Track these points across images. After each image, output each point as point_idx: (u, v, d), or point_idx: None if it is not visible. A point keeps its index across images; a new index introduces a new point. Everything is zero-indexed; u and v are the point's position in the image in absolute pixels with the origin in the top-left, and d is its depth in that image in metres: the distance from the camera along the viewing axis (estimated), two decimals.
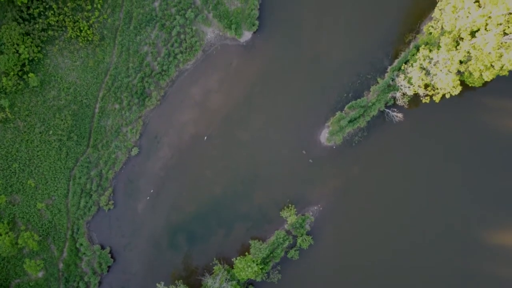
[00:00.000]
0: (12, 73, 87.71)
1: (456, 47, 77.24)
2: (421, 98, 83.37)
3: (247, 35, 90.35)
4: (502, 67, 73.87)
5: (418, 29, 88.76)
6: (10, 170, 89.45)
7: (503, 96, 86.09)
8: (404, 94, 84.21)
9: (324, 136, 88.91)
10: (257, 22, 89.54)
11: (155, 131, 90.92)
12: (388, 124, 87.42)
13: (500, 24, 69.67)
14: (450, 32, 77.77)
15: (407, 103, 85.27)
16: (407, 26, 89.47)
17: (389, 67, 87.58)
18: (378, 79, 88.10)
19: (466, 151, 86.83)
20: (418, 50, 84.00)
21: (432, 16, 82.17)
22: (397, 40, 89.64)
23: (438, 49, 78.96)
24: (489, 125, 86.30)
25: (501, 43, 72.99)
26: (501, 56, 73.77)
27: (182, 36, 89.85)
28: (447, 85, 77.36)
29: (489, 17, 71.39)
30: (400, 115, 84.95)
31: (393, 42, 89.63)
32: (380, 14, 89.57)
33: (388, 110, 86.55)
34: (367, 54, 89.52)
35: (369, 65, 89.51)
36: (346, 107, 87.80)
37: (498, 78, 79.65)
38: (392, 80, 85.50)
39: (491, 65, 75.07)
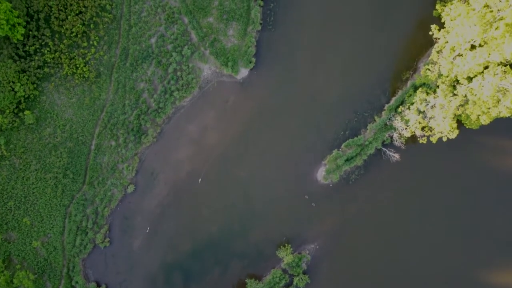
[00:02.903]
0: (7, 110, 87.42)
1: (453, 91, 76.89)
2: (418, 139, 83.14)
3: (243, 72, 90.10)
4: (500, 113, 73.48)
5: (415, 67, 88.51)
6: (6, 207, 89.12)
7: (502, 136, 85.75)
8: (401, 135, 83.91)
9: (321, 174, 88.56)
10: (254, 59, 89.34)
11: (151, 168, 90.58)
12: (385, 162, 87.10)
13: (497, 74, 69.33)
14: (447, 76, 77.44)
15: (404, 142, 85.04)
16: (404, 63, 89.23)
17: (386, 105, 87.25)
18: (375, 117, 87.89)
19: (464, 190, 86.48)
20: (415, 90, 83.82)
21: (430, 58, 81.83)
22: (394, 77, 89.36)
23: (435, 93, 78.72)
24: (488, 165, 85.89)
25: (499, 88, 72.53)
26: (499, 101, 73.45)
27: (179, 73, 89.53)
28: (444, 129, 77.09)
29: (486, 67, 71.14)
30: (397, 155, 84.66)
31: (390, 79, 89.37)
32: (377, 51, 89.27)
33: (385, 149, 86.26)
34: (364, 92, 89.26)
35: (366, 102, 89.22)
36: (343, 145, 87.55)
37: (496, 118, 79.31)
38: (389, 120, 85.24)
39: (488, 110, 74.76)
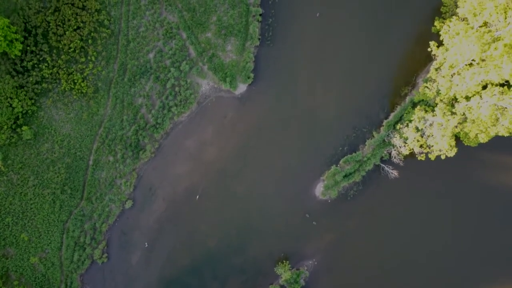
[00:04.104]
0: (5, 126, 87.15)
1: (451, 109, 76.66)
2: (417, 155, 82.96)
3: (242, 88, 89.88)
4: (498, 132, 73.26)
5: (414, 82, 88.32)
6: (4, 223, 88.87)
7: (500, 152, 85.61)
8: (399, 152, 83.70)
9: (319, 190, 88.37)
10: (252, 75, 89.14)
11: (149, 184, 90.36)
12: (384, 178, 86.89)
13: (494, 95, 69.13)
14: (445, 94, 77.22)
15: (403, 159, 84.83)
16: (403, 79, 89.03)
17: (385, 121, 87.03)
18: (374, 132, 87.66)
19: (463, 207, 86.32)
20: (413, 106, 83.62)
21: (428, 76, 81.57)
22: (393, 93, 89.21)
23: (433, 110, 78.51)
24: (486, 181, 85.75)
25: (497, 107, 72.31)
26: (497, 119, 73.25)
27: (177, 89, 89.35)
28: (442, 147, 76.91)
29: (484, 86, 70.93)
30: (395, 171, 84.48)
31: (389, 95, 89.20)
32: (375, 66, 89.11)
33: (383, 165, 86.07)
34: (362, 107, 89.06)
35: (365, 118, 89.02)
36: (341, 161, 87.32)
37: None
38: (388, 136, 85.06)
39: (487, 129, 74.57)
